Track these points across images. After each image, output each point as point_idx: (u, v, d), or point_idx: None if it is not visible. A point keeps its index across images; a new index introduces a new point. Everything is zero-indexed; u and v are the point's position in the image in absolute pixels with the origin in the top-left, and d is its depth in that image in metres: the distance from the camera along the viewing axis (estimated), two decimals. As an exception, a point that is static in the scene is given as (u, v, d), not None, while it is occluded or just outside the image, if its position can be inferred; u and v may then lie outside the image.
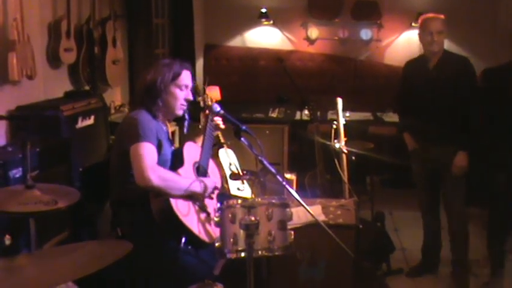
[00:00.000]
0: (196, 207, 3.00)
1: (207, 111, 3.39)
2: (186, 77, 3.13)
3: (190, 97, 3.17)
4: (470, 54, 7.61)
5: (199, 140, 3.33)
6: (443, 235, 4.52)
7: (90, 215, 3.49)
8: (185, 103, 3.15)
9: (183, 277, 2.75)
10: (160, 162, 2.96)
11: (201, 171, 3.15)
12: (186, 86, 3.13)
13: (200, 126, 3.45)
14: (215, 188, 3.12)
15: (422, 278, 4.44)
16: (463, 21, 7.66)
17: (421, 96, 4.25)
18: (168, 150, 3.10)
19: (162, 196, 2.86)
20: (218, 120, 3.40)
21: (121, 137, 3.05)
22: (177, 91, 3.09)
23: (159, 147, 2.99)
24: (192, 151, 3.18)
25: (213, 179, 3.16)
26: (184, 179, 2.98)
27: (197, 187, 2.98)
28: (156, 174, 2.83)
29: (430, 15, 4.27)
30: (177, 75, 3.09)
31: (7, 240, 3.06)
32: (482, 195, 4.65)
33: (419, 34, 4.27)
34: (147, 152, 2.87)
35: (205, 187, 3.01)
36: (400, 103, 4.71)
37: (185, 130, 3.29)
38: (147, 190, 2.86)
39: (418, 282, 4.39)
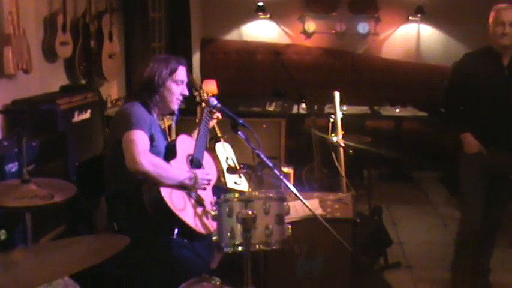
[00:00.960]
0: (193, 201, 2.99)
1: (204, 105, 3.40)
2: (181, 72, 3.15)
3: (186, 92, 3.19)
4: (468, 49, 7.65)
5: (196, 134, 3.33)
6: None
7: (87, 209, 3.48)
8: (181, 98, 3.18)
9: (180, 271, 2.75)
10: (153, 154, 2.96)
11: (195, 163, 3.15)
12: (182, 81, 3.16)
13: (197, 120, 3.45)
14: (207, 179, 3.11)
15: (420, 272, 4.44)
16: (461, 15, 7.66)
17: (489, 94, 3.85)
18: (161, 143, 3.11)
19: (153, 186, 2.86)
20: (216, 114, 3.41)
21: (114, 129, 3.05)
22: (174, 86, 3.12)
23: (152, 140, 2.99)
24: (185, 144, 3.19)
25: (205, 171, 3.16)
26: (175, 169, 2.98)
27: (187, 178, 2.98)
28: (148, 159, 2.84)
29: (503, 5, 3.85)
30: (174, 71, 3.11)
31: (3, 235, 3.04)
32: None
33: (490, 26, 3.86)
34: (139, 138, 2.88)
35: (196, 178, 3.01)
36: (454, 101, 4.08)
37: (173, 124, 3.32)
38: (138, 175, 2.86)
39: (415, 276, 4.39)
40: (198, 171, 3.07)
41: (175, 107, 3.18)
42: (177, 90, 3.13)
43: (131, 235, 2.01)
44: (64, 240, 2.09)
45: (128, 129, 2.89)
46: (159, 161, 2.94)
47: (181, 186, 2.96)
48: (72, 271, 1.75)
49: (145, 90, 3.08)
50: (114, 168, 3.03)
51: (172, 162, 3.01)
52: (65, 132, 4.07)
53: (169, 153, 3.08)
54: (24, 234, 2.86)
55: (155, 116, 3.16)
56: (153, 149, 2.97)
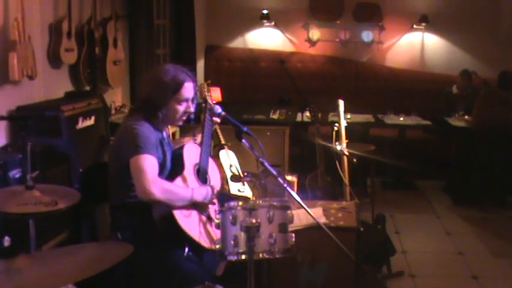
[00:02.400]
0: (203, 217, 2.96)
1: (203, 104, 3.35)
2: (186, 90, 3.01)
3: (191, 109, 3.07)
4: (472, 57, 7.67)
5: (199, 138, 3.29)
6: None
7: (90, 216, 3.47)
8: (185, 116, 3.07)
9: (182, 281, 2.73)
10: (162, 169, 2.94)
11: (201, 172, 3.11)
12: (187, 99, 3.03)
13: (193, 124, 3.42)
14: (215, 193, 3.07)
15: (423, 281, 4.42)
16: (465, 24, 7.67)
17: None
18: (169, 155, 3.06)
19: (165, 206, 2.83)
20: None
21: (120, 146, 2.97)
22: (177, 106, 3.00)
23: (163, 156, 2.98)
24: (192, 152, 3.12)
25: (211, 183, 3.14)
26: (186, 189, 2.93)
27: (198, 196, 2.94)
28: (159, 187, 2.78)
29: None
30: (177, 90, 2.97)
31: (6, 241, 3.04)
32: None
33: None
34: (148, 164, 2.81)
35: (206, 194, 2.98)
36: None
37: (195, 136, 3.28)
38: (150, 203, 2.83)
39: (418, 285, 4.37)
40: (205, 187, 3.02)
41: (179, 123, 3.11)
42: (180, 109, 3.01)
43: (135, 245, 2.00)
44: (68, 248, 2.08)
45: (136, 153, 2.81)
46: (170, 186, 2.87)
47: (192, 204, 2.93)
48: (75, 279, 1.75)
49: (147, 109, 2.98)
50: (118, 183, 2.99)
51: (181, 176, 2.97)
52: (69, 138, 4.07)
53: (177, 166, 3.02)
54: (27, 241, 2.85)
55: (164, 133, 3.09)
56: (162, 170, 2.94)
